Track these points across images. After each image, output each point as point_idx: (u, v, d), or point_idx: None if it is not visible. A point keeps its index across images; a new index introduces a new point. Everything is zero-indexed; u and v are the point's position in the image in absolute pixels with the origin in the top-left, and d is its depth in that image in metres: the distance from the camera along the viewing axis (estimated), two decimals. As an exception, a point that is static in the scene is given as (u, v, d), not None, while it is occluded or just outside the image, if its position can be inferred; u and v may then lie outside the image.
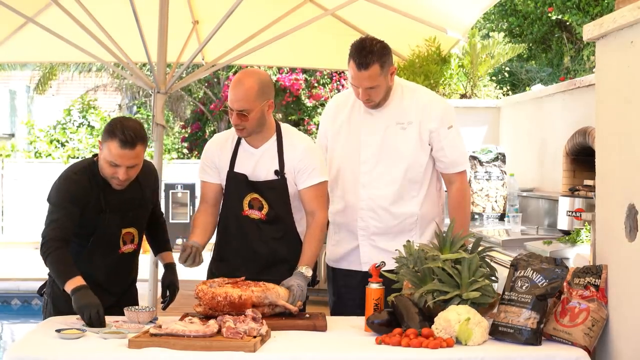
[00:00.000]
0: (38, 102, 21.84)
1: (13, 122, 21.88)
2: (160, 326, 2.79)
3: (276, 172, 3.40)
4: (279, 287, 3.12)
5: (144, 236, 3.56)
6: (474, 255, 2.91)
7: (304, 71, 14.91)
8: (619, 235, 2.73)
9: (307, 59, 7.87)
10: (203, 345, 2.67)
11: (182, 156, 16.90)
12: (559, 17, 11.64)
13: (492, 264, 3.05)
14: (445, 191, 3.76)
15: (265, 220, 3.42)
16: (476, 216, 5.83)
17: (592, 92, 3.10)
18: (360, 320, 3.04)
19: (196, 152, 16.50)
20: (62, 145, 15.50)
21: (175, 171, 14.05)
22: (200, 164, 3.54)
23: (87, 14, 5.31)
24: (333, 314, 3.71)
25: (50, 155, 15.08)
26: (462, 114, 6.34)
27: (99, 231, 3.31)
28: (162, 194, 10.75)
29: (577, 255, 3.80)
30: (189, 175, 13.14)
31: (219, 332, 2.78)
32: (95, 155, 3.38)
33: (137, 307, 3.14)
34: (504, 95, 8.41)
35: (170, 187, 12.82)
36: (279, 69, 14.96)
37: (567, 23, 11.85)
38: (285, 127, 3.49)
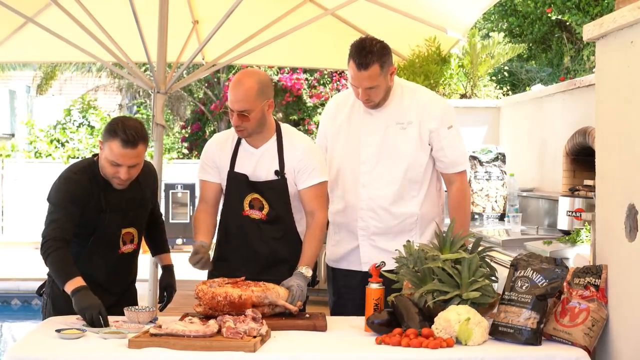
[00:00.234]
0: (38, 102, 21.85)
1: (13, 122, 21.88)
2: (160, 326, 2.79)
3: (276, 172, 3.40)
4: (279, 287, 3.12)
5: (143, 237, 3.56)
6: (474, 255, 2.91)
7: (305, 71, 14.91)
8: (619, 235, 2.73)
9: (307, 59, 7.87)
10: (203, 345, 2.67)
11: (182, 156, 16.90)
12: (559, 17, 11.64)
13: (492, 264, 3.05)
14: (445, 191, 3.76)
15: (266, 220, 3.42)
16: (476, 216, 5.83)
17: (592, 92, 3.10)
18: (360, 320, 3.04)
19: (196, 152, 16.50)
20: (62, 145, 15.50)
21: (175, 171, 14.04)
22: (200, 163, 3.53)
23: (87, 14, 5.31)
24: (333, 314, 3.71)
25: (50, 155, 15.08)
26: (462, 114, 6.34)
27: (99, 231, 3.31)
28: (162, 194, 10.76)
29: (577, 255, 3.80)
30: (189, 175, 13.14)
31: (219, 332, 2.78)
32: (96, 155, 3.38)
33: (137, 307, 3.14)
34: (504, 95, 8.41)
35: (170, 187, 12.82)
36: (280, 69, 14.96)
37: (567, 23, 11.85)
38: (285, 127, 3.49)
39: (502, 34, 10.40)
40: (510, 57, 8.02)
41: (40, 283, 3.50)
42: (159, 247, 3.69)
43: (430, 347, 2.68)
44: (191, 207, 12.88)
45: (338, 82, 14.96)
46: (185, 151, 17.16)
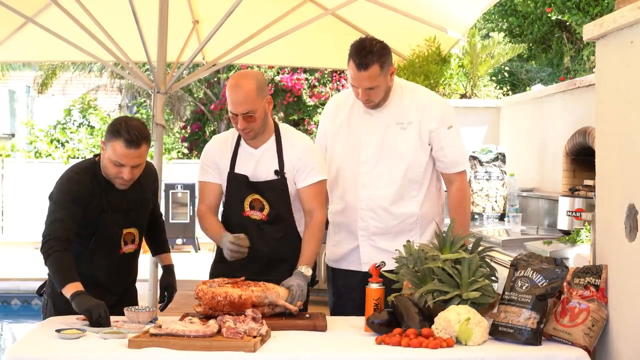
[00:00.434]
0: (38, 102, 21.85)
1: (13, 122, 21.88)
2: (160, 326, 2.79)
3: (276, 172, 3.40)
4: (279, 287, 3.12)
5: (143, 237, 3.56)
6: (474, 255, 2.91)
7: (305, 71, 14.91)
8: (619, 235, 2.73)
9: (308, 59, 7.88)
10: (203, 345, 2.67)
11: (182, 156, 16.90)
12: (559, 17, 11.63)
13: (492, 264, 3.05)
14: (445, 191, 3.76)
15: (267, 220, 3.42)
16: (476, 216, 5.83)
17: (592, 92, 3.10)
18: (360, 320, 3.04)
19: (196, 152, 16.50)
20: (62, 145, 15.50)
21: (175, 171, 14.04)
22: (200, 165, 3.53)
23: (87, 13, 5.31)
24: (333, 314, 3.71)
25: (50, 155, 15.08)
26: (462, 114, 6.34)
27: (100, 231, 3.31)
28: (162, 194, 10.76)
29: (577, 255, 3.80)
30: (189, 175, 13.13)
31: (219, 332, 2.77)
32: (97, 155, 3.38)
33: (137, 307, 3.13)
34: (504, 95, 8.41)
35: (170, 187, 12.82)
36: (280, 69, 14.96)
37: (567, 23, 11.85)
38: (284, 127, 3.49)
39: (502, 34, 10.40)
40: (510, 57, 8.01)
41: (40, 283, 3.50)
42: (159, 247, 3.69)
43: (430, 347, 2.68)
44: (191, 207, 12.88)
45: (338, 82, 14.96)
46: (185, 151, 17.16)
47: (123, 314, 3.09)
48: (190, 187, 12.95)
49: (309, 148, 3.44)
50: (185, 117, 17.95)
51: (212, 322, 2.82)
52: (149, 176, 3.48)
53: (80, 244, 3.27)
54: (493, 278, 2.98)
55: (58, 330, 2.83)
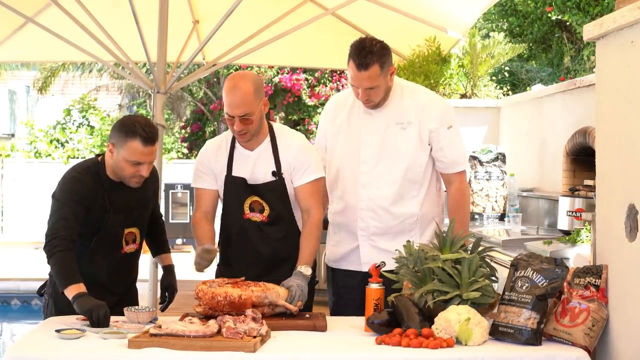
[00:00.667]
0: (38, 102, 21.85)
1: (13, 122, 21.89)
2: (160, 326, 2.79)
3: (274, 173, 3.40)
4: (279, 287, 3.12)
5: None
6: (474, 255, 2.91)
7: (305, 71, 14.91)
8: (619, 235, 2.73)
9: (308, 59, 7.87)
10: (203, 346, 2.67)
11: (182, 156, 16.90)
12: (559, 17, 11.63)
13: (492, 264, 3.05)
14: (445, 191, 3.76)
15: (267, 222, 3.42)
16: (476, 216, 5.82)
17: (592, 92, 3.10)
18: (360, 320, 3.04)
19: (196, 152, 16.49)
20: (62, 145, 15.51)
21: (175, 171, 14.05)
22: (195, 171, 3.52)
23: (87, 13, 5.31)
24: (333, 314, 3.71)
25: (50, 155, 15.09)
26: (462, 114, 6.34)
27: (102, 231, 3.31)
28: (162, 194, 10.75)
29: (577, 255, 3.80)
30: (189, 175, 13.03)
31: (219, 332, 2.77)
32: (99, 155, 3.38)
33: (137, 307, 3.13)
34: (504, 95, 8.40)
35: (170, 187, 12.82)
36: (280, 69, 14.96)
37: (567, 23, 11.84)
38: (278, 127, 3.48)
39: (502, 33, 10.41)
40: (510, 57, 8.01)
41: (41, 283, 3.50)
42: (160, 248, 3.69)
43: (430, 347, 2.68)
44: (191, 207, 12.88)
45: (338, 82, 14.96)
46: (185, 151, 17.17)
47: (123, 314, 3.09)
48: (190, 187, 12.89)
49: (304, 146, 3.44)
50: (185, 117, 17.95)
51: (212, 322, 2.82)
52: (151, 176, 3.48)
53: (81, 243, 3.27)
54: (493, 278, 2.98)
55: (58, 330, 2.83)
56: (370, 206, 3.61)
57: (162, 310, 3.50)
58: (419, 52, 6.77)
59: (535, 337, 2.73)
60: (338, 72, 14.64)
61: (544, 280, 2.80)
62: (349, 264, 3.69)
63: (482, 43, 7.33)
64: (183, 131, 17.66)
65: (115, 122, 3.35)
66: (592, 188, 4.35)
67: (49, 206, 3.27)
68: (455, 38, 6.18)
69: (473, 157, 5.91)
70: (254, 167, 3.41)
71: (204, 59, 7.00)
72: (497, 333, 2.80)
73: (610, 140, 2.84)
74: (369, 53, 3.41)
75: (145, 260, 4.12)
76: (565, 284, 2.86)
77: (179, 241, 12.68)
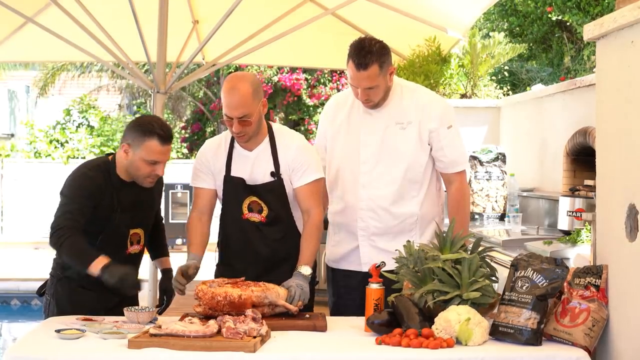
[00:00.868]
0: (38, 102, 21.85)
1: (13, 122, 21.89)
2: (160, 326, 2.79)
3: (272, 174, 3.39)
4: (278, 287, 3.12)
5: None
6: (474, 256, 2.91)
7: (304, 70, 14.91)
8: (619, 235, 2.73)
9: (308, 59, 7.87)
10: (203, 346, 2.67)
11: (182, 156, 16.89)
12: (559, 17, 11.63)
13: (492, 264, 3.05)
14: (445, 191, 3.75)
15: (266, 222, 3.41)
16: (476, 216, 5.82)
17: (593, 92, 3.10)
18: (360, 321, 3.04)
19: (196, 152, 16.46)
20: (62, 145, 15.51)
21: (175, 171, 14.03)
22: (193, 170, 3.52)
23: (86, 13, 5.31)
24: (333, 314, 3.71)
25: (49, 155, 15.09)
26: (462, 114, 6.34)
27: (108, 230, 3.30)
28: (162, 194, 10.73)
29: (577, 256, 3.80)
30: (188, 176, 13.03)
31: (218, 332, 2.77)
32: (109, 154, 3.39)
33: (136, 307, 3.13)
34: (504, 95, 8.40)
35: (170, 187, 12.82)
36: (280, 69, 14.95)
37: (567, 23, 11.84)
38: (277, 127, 3.48)
39: (503, 33, 10.39)
40: (510, 57, 8.01)
41: (40, 283, 3.50)
42: (159, 251, 3.68)
43: (431, 347, 2.67)
44: (191, 207, 12.88)
45: (338, 82, 14.95)
46: (185, 151, 17.16)
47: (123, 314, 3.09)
48: (190, 187, 12.85)
49: (303, 147, 3.44)
50: (185, 117, 17.95)
51: (212, 322, 2.82)
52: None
53: (87, 241, 3.25)
54: (493, 278, 2.98)
55: (58, 330, 2.83)
56: (370, 206, 3.60)
57: (159, 313, 3.49)
58: (419, 52, 6.76)
59: (535, 337, 2.73)
60: (338, 72, 14.63)
61: (544, 281, 2.80)
62: (349, 264, 3.68)
63: (482, 43, 7.33)
64: (183, 131, 17.66)
65: (129, 123, 3.38)
66: (592, 188, 4.35)
67: (50, 206, 3.27)
68: (455, 38, 6.18)
69: (473, 157, 5.91)
70: (253, 167, 3.41)
71: (203, 59, 7.00)
72: (497, 333, 2.80)
73: (611, 140, 2.84)
74: (368, 53, 3.41)
75: (145, 260, 4.11)
76: (565, 284, 2.86)
77: (178, 241, 12.68)
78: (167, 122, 3.32)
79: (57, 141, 15.54)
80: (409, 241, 3.10)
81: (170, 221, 12.64)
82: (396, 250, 3.12)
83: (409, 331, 2.77)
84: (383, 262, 3.12)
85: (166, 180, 3.46)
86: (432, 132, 3.59)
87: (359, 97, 3.53)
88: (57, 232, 3.15)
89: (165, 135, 3.24)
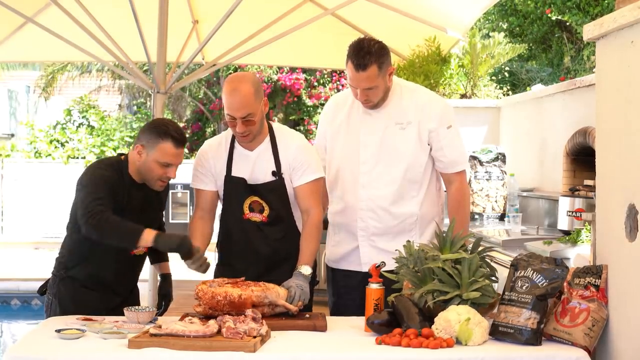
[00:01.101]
0: (38, 102, 21.84)
1: (13, 122, 21.88)
2: (160, 326, 2.79)
3: (273, 173, 3.40)
4: (278, 287, 3.12)
5: None
6: (474, 256, 2.91)
7: (304, 70, 14.91)
8: (619, 235, 2.73)
9: (308, 59, 7.88)
10: (203, 346, 2.67)
11: (182, 156, 16.86)
12: (559, 17, 11.63)
13: (492, 264, 3.05)
14: (445, 191, 3.75)
15: (267, 222, 3.42)
16: (476, 216, 5.82)
17: (592, 92, 3.10)
18: (360, 321, 3.04)
19: (196, 152, 16.46)
20: (62, 145, 15.50)
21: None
22: (194, 172, 3.52)
23: (86, 14, 5.32)
24: (333, 314, 3.71)
25: (50, 155, 15.08)
26: (462, 114, 6.34)
27: None
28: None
29: (577, 255, 3.80)
30: (189, 176, 13.07)
31: (219, 332, 2.77)
32: (122, 154, 3.39)
33: (137, 307, 3.13)
34: (504, 95, 8.40)
35: (170, 187, 12.80)
36: (279, 69, 14.95)
37: (567, 23, 11.84)
38: (278, 127, 3.48)
39: (502, 33, 10.40)
40: (510, 57, 8.01)
41: (41, 283, 3.49)
42: (159, 255, 3.67)
43: (431, 347, 2.68)
44: (191, 207, 12.88)
45: (338, 82, 14.96)
46: (186, 151, 17.16)
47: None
48: (190, 187, 12.91)
49: (303, 146, 3.44)
50: (185, 117, 17.95)
51: (212, 322, 2.82)
52: None
53: (92, 241, 3.24)
54: (493, 278, 2.98)
55: (58, 330, 2.83)
56: (370, 206, 3.60)
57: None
58: (418, 52, 6.77)
59: (535, 337, 2.73)
60: (338, 72, 14.64)
61: (544, 280, 2.80)
62: (349, 264, 3.68)
63: (482, 43, 7.33)
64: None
65: (144, 125, 3.39)
66: (592, 188, 4.35)
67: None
68: (455, 38, 6.18)
69: (473, 157, 5.91)
70: (254, 167, 3.41)
71: (203, 59, 7.00)
72: (497, 333, 2.80)
73: (611, 140, 2.84)
74: (367, 54, 3.41)
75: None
76: (565, 284, 2.86)
77: (178, 241, 12.68)
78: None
79: (57, 141, 15.53)
80: (408, 241, 3.11)
81: (171, 221, 12.65)
82: (396, 250, 3.12)
83: (409, 331, 2.77)
84: (383, 262, 3.12)
85: (166, 180, 3.49)
86: (432, 132, 3.59)
87: (358, 98, 3.53)
88: (94, 216, 3.11)
89: (179, 139, 3.27)
